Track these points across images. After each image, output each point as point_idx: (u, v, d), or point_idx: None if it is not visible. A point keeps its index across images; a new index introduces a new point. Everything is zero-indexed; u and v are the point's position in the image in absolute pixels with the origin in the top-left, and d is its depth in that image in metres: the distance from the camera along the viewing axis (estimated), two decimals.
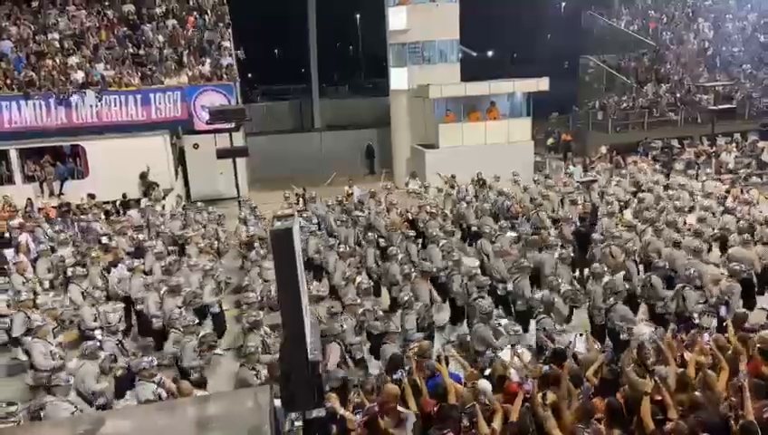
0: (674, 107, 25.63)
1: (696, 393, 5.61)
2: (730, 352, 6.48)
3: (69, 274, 10.67)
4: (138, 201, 16.78)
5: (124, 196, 17.06)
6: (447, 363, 6.86)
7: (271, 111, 30.58)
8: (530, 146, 21.44)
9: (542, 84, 20.97)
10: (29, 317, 9.04)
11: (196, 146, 20.43)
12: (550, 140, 26.07)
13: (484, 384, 5.96)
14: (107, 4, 22.11)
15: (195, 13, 22.40)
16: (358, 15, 43.32)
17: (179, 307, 9.00)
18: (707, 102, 24.62)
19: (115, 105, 18.71)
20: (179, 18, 21.98)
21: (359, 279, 9.91)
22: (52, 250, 12.24)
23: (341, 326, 8.07)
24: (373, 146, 26.09)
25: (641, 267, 10.45)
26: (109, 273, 10.90)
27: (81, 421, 6.04)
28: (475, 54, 25.68)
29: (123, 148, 18.18)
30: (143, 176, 18.02)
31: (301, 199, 16.33)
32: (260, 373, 7.31)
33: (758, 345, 6.45)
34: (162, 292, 9.69)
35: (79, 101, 18.33)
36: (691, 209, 13.35)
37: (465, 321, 9.61)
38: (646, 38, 29.88)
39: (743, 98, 25.69)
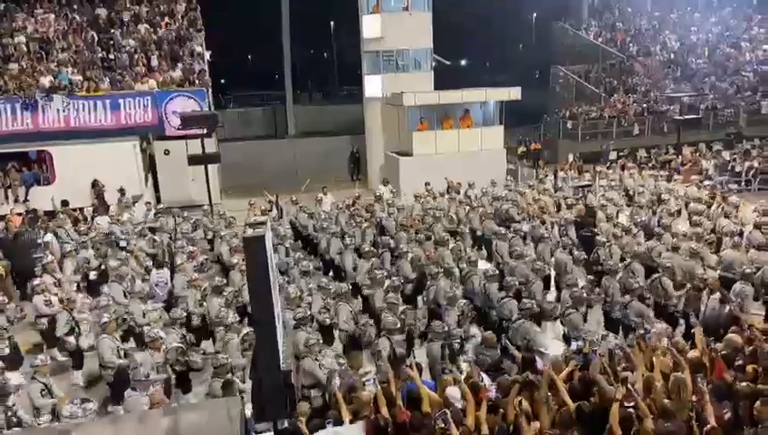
0: (641, 117, 26.25)
1: (665, 400, 5.64)
2: (691, 355, 6.60)
3: (92, 276, 11.15)
4: (107, 208, 16.45)
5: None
6: (421, 371, 6.88)
7: (244, 118, 30.40)
8: (502, 154, 21.70)
9: (514, 93, 21.26)
10: (73, 317, 9.14)
11: (167, 152, 20.13)
12: (521, 149, 26.48)
13: (453, 391, 5.99)
14: (75, 8, 21.74)
15: (166, 18, 22.17)
16: (332, 23, 43.38)
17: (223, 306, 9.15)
18: (673, 113, 25.31)
19: (83, 110, 18.34)
20: (150, 23, 21.72)
21: (387, 281, 9.97)
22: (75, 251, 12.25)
23: (395, 323, 8.09)
24: (358, 153, 26.02)
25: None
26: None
27: (40, 433, 5.97)
28: (448, 63, 25.84)
29: (92, 154, 17.81)
30: (95, 184, 17.60)
31: (274, 206, 16.20)
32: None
33: (723, 352, 6.59)
34: (203, 289, 9.96)
35: (46, 106, 17.94)
36: (678, 213, 13.71)
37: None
38: (614, 49, 30.61)
39: (707, 108, 26.45)
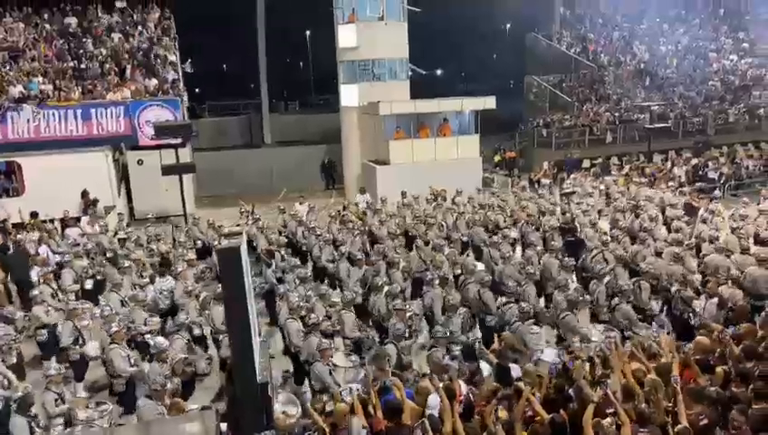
0: (613, 125, 26.74)
1: (642, 405, 5.68)
2: (664, 359, 6.69)
3: (87, 286, 11.19)
4: (77, 219, 16.12)
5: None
6: (404, 380, 6.85)
7: (219, 127, 30.08)
8: (478, 162, 21.87)
9: (489, 103, 21.47)
10: (77, 326, 9.07)
11: (140, 162, 19.84)
12: (496, 157, 26.74)
13: (431, 399, 5.98)
14: (46, 17, 21.37)
15: (139, 27, 21.93)
16: (308, 32, 43.36)
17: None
18: (644, 121, 25.83)
19: (54, 120, 18.01)
20: (122, 32, 21.45)
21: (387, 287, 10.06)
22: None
23: (397, 328, 8.11)
24: (334, 162, 25.98)
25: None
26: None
27: None
28: (424, 73, 26.03)
29: (62, 164, 17.45)
30: (84, 194, 17.33)
31: (249, 216, 16.07)
32: None
33: (695, 356, 6.69)
34: (202, 298, 10.00)
35: (15, 116, 17.56)
36: (656, 219, 14.01)
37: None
38: (585, 60, 31.17)
39: (676, 117, 27.06)
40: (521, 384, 6.09)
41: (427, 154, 21.06)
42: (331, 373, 7.59)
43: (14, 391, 7.48)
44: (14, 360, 8.35)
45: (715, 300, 8.88)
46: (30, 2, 21.83)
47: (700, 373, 6.36)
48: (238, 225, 14.37)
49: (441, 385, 6.03)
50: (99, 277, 11.65)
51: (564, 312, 8.76)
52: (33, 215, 15.60)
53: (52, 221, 15.18)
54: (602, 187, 18.26)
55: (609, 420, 5.48)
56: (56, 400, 7.19)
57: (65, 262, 11.90)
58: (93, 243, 13.67)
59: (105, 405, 6.55)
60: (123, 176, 20.20)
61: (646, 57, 32.10)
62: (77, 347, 8.97)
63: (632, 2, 35.19)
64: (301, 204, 17.07)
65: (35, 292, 10.31)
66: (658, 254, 11.02)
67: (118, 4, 22.33)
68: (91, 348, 8.98)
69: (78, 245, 13.41)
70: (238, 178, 24.09)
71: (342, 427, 5.88)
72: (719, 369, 6.41)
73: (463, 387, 6.41)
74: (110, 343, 8.44)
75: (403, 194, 17.40)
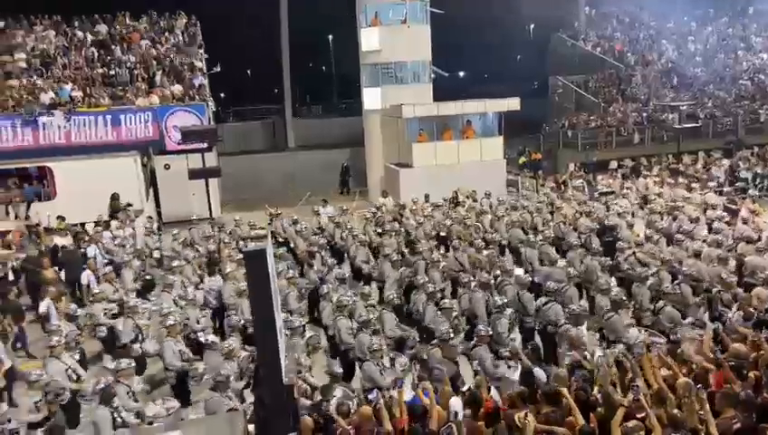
0: (640, 126, 26.30)
1: (675, 410, 5.59)
2: (696, 366, 6.56)
3: (138, 286, 11.49)
4: (108, 223, 16.43)
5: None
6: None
7: (244, 131, 30.45)
8: (502, 164, 21.72)
9: (513, 104, 21.32)
10: (137, 324, 9.35)
11: (167, 166, 20.15)
12: (521, 159, 26.47)
13: (455, 403, 5.94)
14: (76, 24, 21.88)
15: (166, 33, 22.31)
16: (330, 36, 43.63)
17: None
18: (672, 121, 25.35)
19: (84, 126, 18.39)
20: (151, 39, 21.84)
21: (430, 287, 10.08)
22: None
23: (447, 330, 8.10)
24: (349, 167, 26.13)
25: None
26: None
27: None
28: (446, 75, 25.92)
29: (93, 169, 17.83)
30: (115, 198, 17.66)
31: (275, 220, 16.19)
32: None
33: (729, 362, 6.54)
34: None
35: (47, 122, 17.98)
36: (697, 220, 13.72)
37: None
38: (612, 59, 30.75)
39: (706, 116, 26.50)
40: (564, 390, 6.01)
41: (450, 157, 20.98)
42: (381, 373, 7.59)
43: (81, 384, 7.85)
44: (78, 356, 8.61)
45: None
46: (60, 10, 22.39)
47: (734, 379, 6.23)
48: (263, 228, 14.52)
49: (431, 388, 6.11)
50: (148, 277, 12.06)
51: (609, 313, 8.64)
52: (61, 218, 15.98)
53: (83, 225, 15.49)
54: (635, 187, 17.93)
55: (634, 422, 5.38)
56: (128, 393, 7.39)
57: (124, 262, 12.33)
58: (141, 244, 14.08)
59: (172, 402, 6.74)
60: (151, 180, 20.54)
61: (674, 56, 31.53)
62: (137, 344, 9.25)
63: (659, 1, 34.63)
64: (324, 207, 17.14)
65: (96, 290, 10.67)
66: (697, 255, 10.79)
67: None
68: (150, 345, 9.27)
69: (124, 246, 13.74)
70: (262, 182, 24.31)
71: (366, 429, 5.86)
72: (752, 374, 6.27)
73: (494, 393, 6.35)
74: (165, 337, 8.68)
75: (426, 197, 17.37)
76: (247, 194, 23.24)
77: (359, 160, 25.20)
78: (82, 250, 13.49)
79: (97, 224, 15.91)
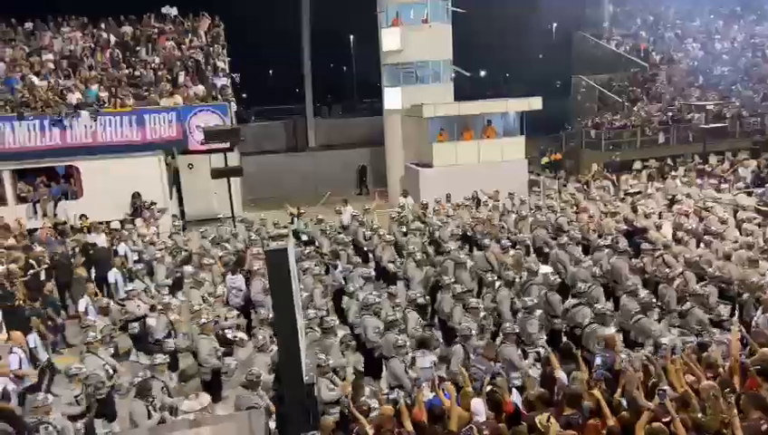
0: (665, 126, 25.87)
1: (699, 415, 5.53)
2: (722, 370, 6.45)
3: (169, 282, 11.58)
4: (132, 222, 16.70)
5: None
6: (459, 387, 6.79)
7: (265, 131, 30.67)
8: (524, 164, 21.54)
9: (535, 103, 21.14)
10: (171, 321, 9.59)
11: (190, 166, 20.41)
12: (544, 159, 26.23)
13: (477, 404, 5.92)
14: (102, 26, 22.24)
15: (190, 34, 22.56)
16: (351, 36, 43.73)
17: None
18: (698, 121, 24.88)
19: (110, 126, 18.68)
20: (175, 40, 22.11)
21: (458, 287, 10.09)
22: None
23: (469, 327, 8.13)
24: (366, 167, 26.20)
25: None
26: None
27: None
28: (468, 74, 25.81)
29: (118, 168, 18.14)
30: (136, 196, 17.93)
31: (296, 219, 16.29)
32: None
33: (756, 367, 6.41)
34: None
35: (73, 122, 18.32)
36: (726, 221, 13.48)
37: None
38: (636, 58, 30.29)
39: (733, 116, 25.96)
40: (596, 392, 5.96)
41: (470, 156, 20.89)
42: (407, 371, 7.62)
43: (117, 378, 8.06)
44: (112, 351, 8.85)
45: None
46: (86, 11, 22.78)
47: (761, 383, 6.11)
48: (285, 227, 14.62)
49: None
50: (177, 274, 12.26)
51: (638, 315, 8.54)
52: (83, 217, 16.30)
53: (108, 223, 15.75)
54: (661, 186, 17.63)
55: (657, 425, 5.31)
56: (162, 388, 7.54)
57: (156, 258, 12.54)
58: (171, 241, 14.28)
59: (204, 396, 6.89)
60: (175, 179, 20.80)
61: (700, 55, 30.95)
62: (170, 340, 9.45)
63: None
64: (345, 206, 17.18)
65: (129, 286, 10.92)
66: (727, 257, 10.59)
67: (164, 10, 22.91)
68: (182, 341, 9.44)
69: (154, 243, 13.95)
70: (283, 182, 24.47)
71: (386, 429, 5.87)
72: None
73: (515, 395, 6.31)
74: (200, 334, 8.87)
75: (448, 197, 17.31)
76: (268, 193, 23.42)
77: (379, 160, 25.23)
78: (114, 248, 13.77)
79: (123, 222, 16.19)
